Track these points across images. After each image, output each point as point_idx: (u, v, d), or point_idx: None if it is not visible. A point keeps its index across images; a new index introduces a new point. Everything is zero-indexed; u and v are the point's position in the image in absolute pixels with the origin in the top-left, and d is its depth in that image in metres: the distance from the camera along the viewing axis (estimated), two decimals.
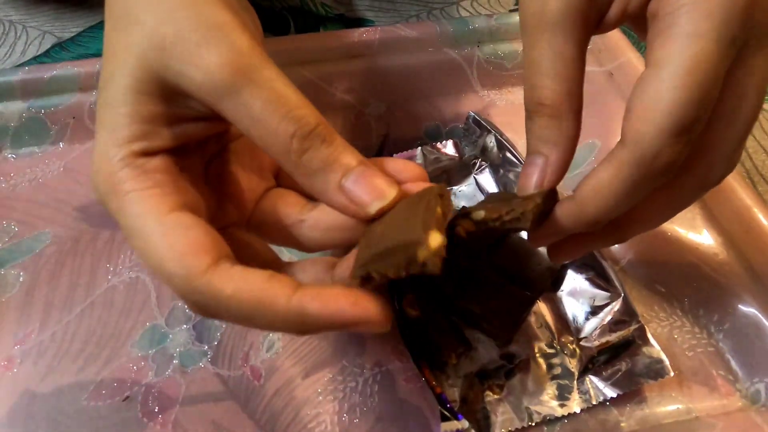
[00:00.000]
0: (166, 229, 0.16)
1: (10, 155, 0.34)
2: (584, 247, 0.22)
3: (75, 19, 0.43)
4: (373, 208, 0.16)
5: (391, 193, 0.16)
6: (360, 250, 0.17)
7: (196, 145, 0.19)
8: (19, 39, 0.41)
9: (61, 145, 0.35)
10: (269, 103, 0.16)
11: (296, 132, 0.16)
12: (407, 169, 0.18)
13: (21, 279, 0.29)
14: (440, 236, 0.15)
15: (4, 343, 0.27)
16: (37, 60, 0.40)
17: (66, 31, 0.42)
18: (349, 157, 0.17)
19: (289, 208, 0.20)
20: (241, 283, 0.15)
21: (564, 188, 0.33)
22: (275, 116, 0.16)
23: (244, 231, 0.20)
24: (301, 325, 0.15)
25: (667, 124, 0.16)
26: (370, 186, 0.16)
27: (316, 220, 0.19)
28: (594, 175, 0.18)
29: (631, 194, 0.17)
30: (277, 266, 0.19)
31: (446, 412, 0.21)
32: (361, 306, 0.15)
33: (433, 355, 0.25)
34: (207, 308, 0.16)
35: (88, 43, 0.41)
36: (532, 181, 0.19)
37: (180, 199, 0.17)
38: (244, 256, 0.18)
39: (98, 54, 0.37)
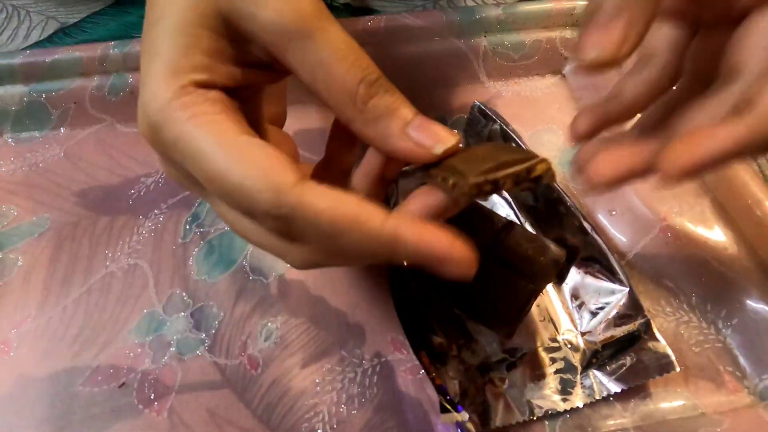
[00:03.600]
0: (244, 147, 0.15)
1: (10, 139, 0.34)
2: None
3: (79, 4, 0.43)
4: (439, 149, 0.17)
5: (452, 138, 0.17)
6: (459, 164, 0.17)
7: (242, 93, 0.18)
8: (23, 24, 0.41)
9: (62, 130, 0.34)
10: (338, 50, 0.16)
11: (364, 78, 0.16)
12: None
13: (19, 263, 0.29)
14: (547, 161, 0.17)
15: (0, 326, 0.27)
16: (40, 45, 0.40)
17: (70, 16, 0.42)
18: (410, 107, 0.17)
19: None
20: (334, 199, 0.15)
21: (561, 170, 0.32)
22: (344, 63, 0.16)
23: None
24: (391, 252, 0.15)
25: None
26: (433, 132, 0.17)
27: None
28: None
29: None
30: None
31: (446, 404, 0.21)
32: (456, 245, 0.15)
33: (434, 346, 0.25)
34: (294, 224, 0.15)
35: (92, 29, 0.41)
36: (609, 38, 0.15)
37: (246, 128, 0.16)
38: None
39: (101, 40, 0.36)
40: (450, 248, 0.15)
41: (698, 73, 0.19)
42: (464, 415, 0.21)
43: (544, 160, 0.17)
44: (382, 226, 0.15)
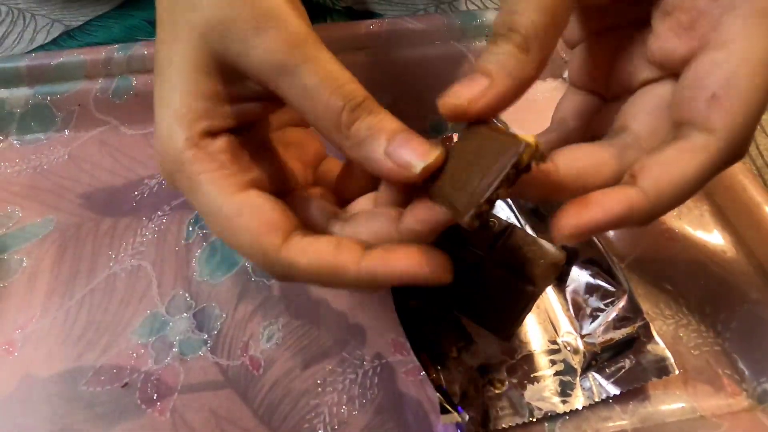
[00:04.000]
0: (238, 210, 0.17)
1: (15, 141, 0.34)
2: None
3: (83, 7, 0.43)
4: (418, 167, 0.17)
5: (434, 152, 0.17)
6: (449, 193, 0.17)
7: (250, 125, 0.20)
8: (28, 27, 0.41)
9: (66, 132, 0.35)
10: (322, 80, 0.17)
11: (346, 105, 0.17)
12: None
13: (24, 264, 0.29)
14: (532, 137, 0.16)
15: (5, 327, 0.27)
16: (45, 48, 0.40)
17: (74, 19, 0.42)
18: (393, 124, 0.17)
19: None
20: (313, 255, 0.17)
21: None
22: (327, 91, 0.17)
23: (303, 190, 0.22)
24: (372, 286, 0.17)
25: (758, 111, 0.16)
26: (414, 147, 0.17)
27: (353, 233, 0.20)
28: (673, 168, 0.16)
29: (707, 183, 0.16)
30: (342, 219, 0.20)
31: (446, 405, 0.21)
32: (424, 264, 0.17)
33: (434, 348, 0.25)
34: (289, 278, 0.18)
35: (96, 32, 0.42)
36: (465, 93, 0.17)
37: (245, 178, 0.18)
38: (309, 214, 0.20)
39: (105, 42, 0.37)
40: (419, 271, 0.17)
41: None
42: (464, 416, 0.21)
43: (527, 144, 0.15)
44: (357, 271, 0.17)
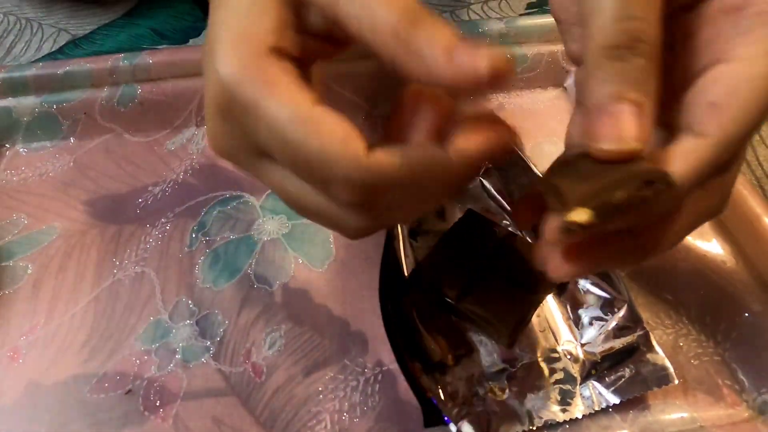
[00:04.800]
0: (321, 117, 0.16)
1: (21, 149, 0.35)
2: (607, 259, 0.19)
3: (89, 16, 0.44)
4: (485, 67, 0.15)
5: (497, 57, 0.15)
6: (566, 185, 0.16)
7: (309, 64, 0.19)
8: (35, 36, 0.42)
9: (72, 140, 0.35)
10: (382, 3, 0.16)
11: (406, 12, 0.16)
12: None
13: (29, 271, 0.29)
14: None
15: (10, 334, 0.27)
16: (51, 57, 0.41)
17: (80, 28, 0.43)
18: (454, 34, 0.16)
19: None
20: (404, 153, 0.16)
21: None
22: (384, 3, 0.16)
23: None
24: (469, 171, 0.17)
25: (753, 124, 0.16)
26: (477, 52, 0.16)
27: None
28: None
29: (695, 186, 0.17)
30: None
31: (433, 416, 0.21)
32: (503, 131, 0.17)
33: (428, 357, 0.25)
34: (374, 188, 0.16)
35: (102, 41, 0.42)
36: (628, 131, 0.15)
37: (320, 98, 0.17)
38: None
39: (111, 51, 0.37)
40: (501, 134, 0.17)
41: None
42: (451, 428, 0.21)
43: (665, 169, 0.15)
44: (452, 157, 0.16)
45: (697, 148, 0.16)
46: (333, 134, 0.16)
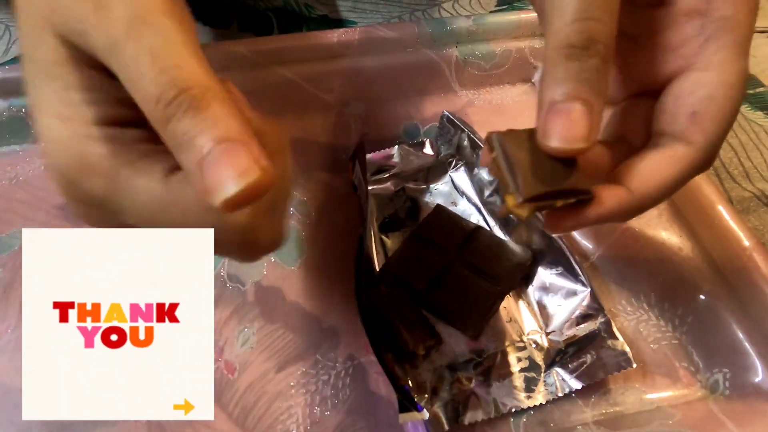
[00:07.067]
0: (180, 188, 0.15)
1: None
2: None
3: None
4: (218, 198, 0.13)
5: (256, 171, 0.13)
6: (520, 168, 0.17)
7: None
8: (2, 39, 0.41)
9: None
10: (145, 62, 0.13)
11: (160, 96, 0.13)
12: None
13: None
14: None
15: None
16: (19, 60, 0.40)
17: None
18: (214, 132, 0.13)
19: None
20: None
21: None
22: (147, 77, 0.14)
23: None
24: None
25: (729, 127, 0.18)
26: (218, 172, 0.13)
27: None
28: (657, 172, 0.18)
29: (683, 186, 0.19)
30: None
31: (406, 403, 0.22)
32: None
33: (400, 347, 0.26)
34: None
35: None
36: (577, 130, 0.15)
37: (168, 163, 0.15)
38: None
39: None
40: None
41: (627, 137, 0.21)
42: (424, 414, 0.22)
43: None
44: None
45: (687, 154, 0.18)
46: (196, 202, 0.15)
